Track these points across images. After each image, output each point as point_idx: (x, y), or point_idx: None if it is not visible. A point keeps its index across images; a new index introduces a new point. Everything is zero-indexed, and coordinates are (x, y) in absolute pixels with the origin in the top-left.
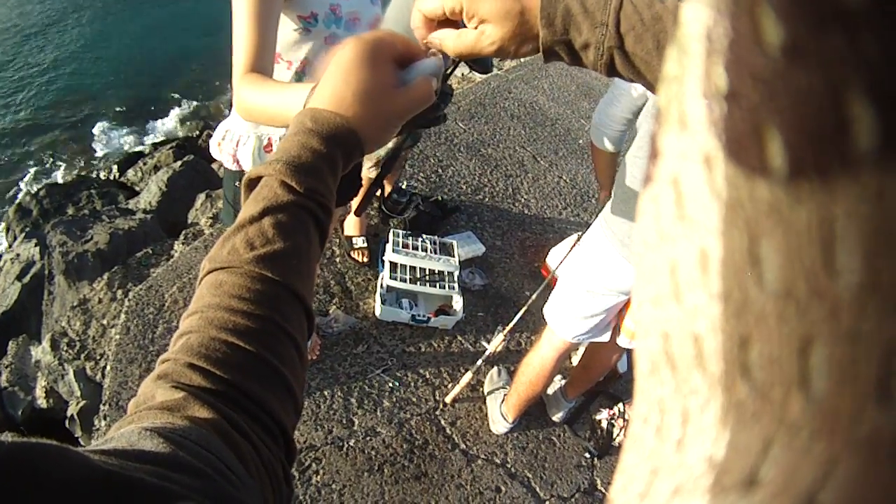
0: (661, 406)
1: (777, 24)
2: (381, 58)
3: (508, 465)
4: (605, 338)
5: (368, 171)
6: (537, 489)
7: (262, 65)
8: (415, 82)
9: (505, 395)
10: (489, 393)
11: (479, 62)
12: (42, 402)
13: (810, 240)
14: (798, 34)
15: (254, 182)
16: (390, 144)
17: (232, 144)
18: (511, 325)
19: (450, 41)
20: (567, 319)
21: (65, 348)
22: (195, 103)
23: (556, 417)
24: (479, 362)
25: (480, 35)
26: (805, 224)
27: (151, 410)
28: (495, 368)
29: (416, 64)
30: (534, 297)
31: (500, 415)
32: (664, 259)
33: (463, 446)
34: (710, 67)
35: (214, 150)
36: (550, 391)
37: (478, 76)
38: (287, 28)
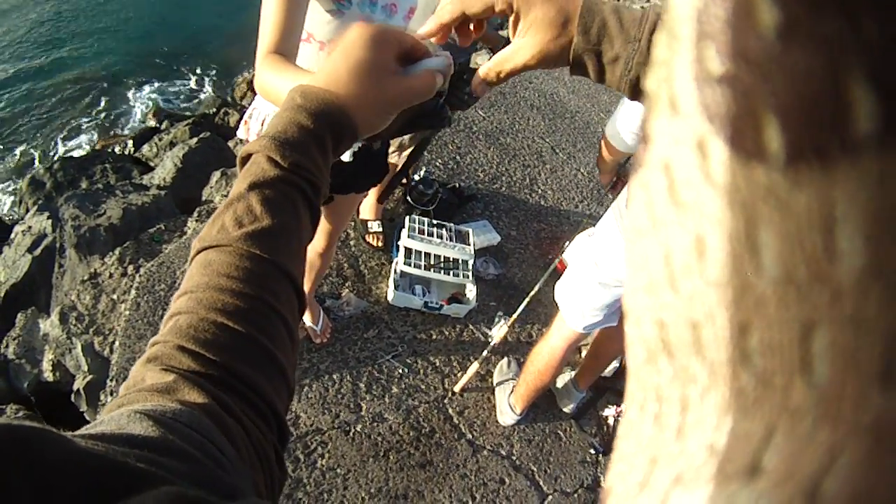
0: (659, 393)
1: (772, 6)
2: (384, 43)
3: (514, 458)
4: (615, 321)
5: (391, 156)
6: (541, 483)
7: (287, 47)
8: (416, 72)
9: (514, 386)
10: (498, 384)
11: (458, 98)
12: (48, 376)
13: (810, 224)
14: (794, 16)
15: (246, 160)
16: (417, 135)
17: (258, 123)
18: (516, 314)
19: (489, 64)
20: (579, 311)
21: (73, 322)
22: (214, 80)
23: (568, 409)
24: (485, 352)
25: (518, 50)
26: (805, 209)
27: (142, 392)
28: (505, 359)
29: (423, 61)
30: (538, 286)
31: (508, 406)
32: (657, 246)
33: (469, 436)
34: (702, 51)
35: (241, 129)
36: (560, 383)
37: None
38: (320, 8)
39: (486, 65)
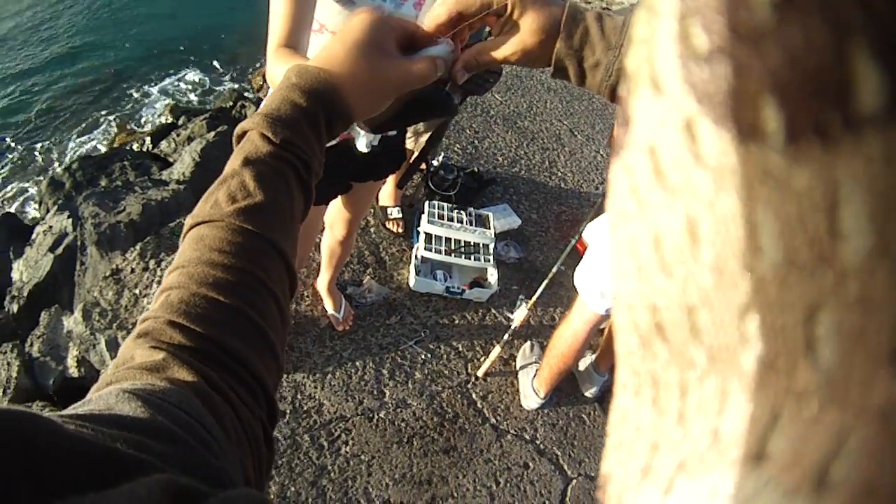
0: (655, 378)
1: None
2: (384, 27)
3: (538, 442)
4: None
5: (407, 142)
6: (565, 467)
7: (296, 40)
8: (416, 57)
9: (536, 369)
10: (521, 368)
11: (476, 84)
12: (73, 372)
13: (812, 205)
14: None
15: (242, 137)
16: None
17: None
18: (535, 296)
19: (471, 51)
20: (599, 293)
21: (97, 318)
22: (229, 74)
23: (590, 393)
24: (507, 336)
25: (502, 43)
26: (806, 189)
27: (130, 370)
28: (528, 343)
29: (425, 49)
30: (556, 266)
31: (531, 390)
32: (645, 229)
33: (493, 421)
34: (686, 27)
35: None
36: (582, 367)
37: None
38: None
39: (468, 52)
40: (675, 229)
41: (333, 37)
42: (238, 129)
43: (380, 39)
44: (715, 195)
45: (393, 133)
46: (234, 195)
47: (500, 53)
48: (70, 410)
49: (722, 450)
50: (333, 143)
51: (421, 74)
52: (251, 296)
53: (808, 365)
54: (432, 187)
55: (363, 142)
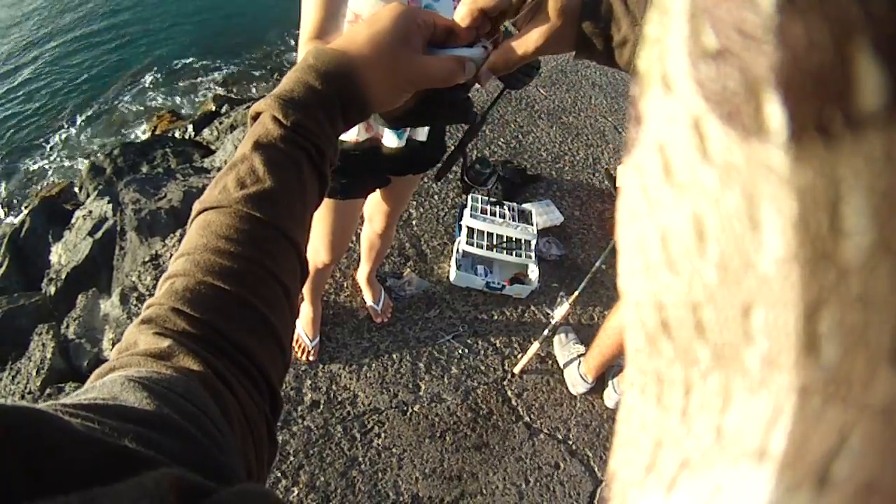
0: (660, 376)
1: None
2: (413, 20)
3: (570, 442)
4: None
5: None
6: (595, 469)
7: (328, 33)
8: (442, 55)
9: (579, 354)
10: (565, 365)
11: (513, 77)
12: (108, 354)
13: (815, 202)
14: None
15: (256, 119)
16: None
17: None
18: (577, 293)
19: (495, 57)
20: None
21: (134, 302)
22: (272, 64)
23: (611, 403)
24: (546, 332)
25: (528, 37)
26: (809, 186)
27: (135, 357)
28: (560, 336)
29: (455, 48)
30: (598, 263)
31: (579, 377)
32: (654, 227)
33: (527, 419)
34: (696, 26)
35: None
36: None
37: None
38: None
39: (494, 53)
40: (682, 227)
41: (359, 23)
42: (252, 110)
43: (406, 31)
44: (721, 192)
45: (419, 136)
46: (244, 181)
47: (528, 46)
48: (73, 399)
49: (725, 447)
50: (369, 136)
51: (443, 73)
52: (257, 285)
53: (810, 362)
54: (468, 181)
55: (390, 138)
